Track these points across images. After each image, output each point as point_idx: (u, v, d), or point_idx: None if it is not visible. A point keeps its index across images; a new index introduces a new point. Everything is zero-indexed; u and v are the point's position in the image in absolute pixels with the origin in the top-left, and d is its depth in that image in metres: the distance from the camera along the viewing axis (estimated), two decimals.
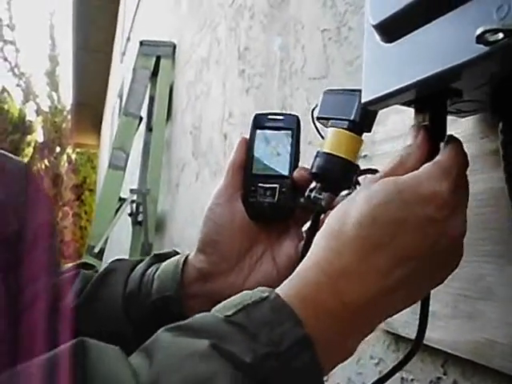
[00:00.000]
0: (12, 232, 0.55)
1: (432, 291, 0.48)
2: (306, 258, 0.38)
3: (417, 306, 0.49)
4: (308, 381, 0.33)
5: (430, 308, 0.48)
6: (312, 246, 0.39)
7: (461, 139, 0.55)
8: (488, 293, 0.51)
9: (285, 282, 0.37)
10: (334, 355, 0.36)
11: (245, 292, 0.36)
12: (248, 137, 0.55)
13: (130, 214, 3.13)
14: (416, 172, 0.39)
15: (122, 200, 3.07)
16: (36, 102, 13.24)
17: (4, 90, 11.97)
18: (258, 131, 0.54)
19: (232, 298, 0.36)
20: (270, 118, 0.54)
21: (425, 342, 0.49)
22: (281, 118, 0.54)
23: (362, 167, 0.53)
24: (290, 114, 0.54)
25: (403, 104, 0.47)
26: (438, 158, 0.41)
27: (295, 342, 0.32)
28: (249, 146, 0.54)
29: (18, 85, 13.32)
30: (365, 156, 0.80)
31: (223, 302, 0.36)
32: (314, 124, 0.57)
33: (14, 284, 0.54)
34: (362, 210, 0.37)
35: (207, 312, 0.35)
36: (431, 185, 0.38)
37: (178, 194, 2.59)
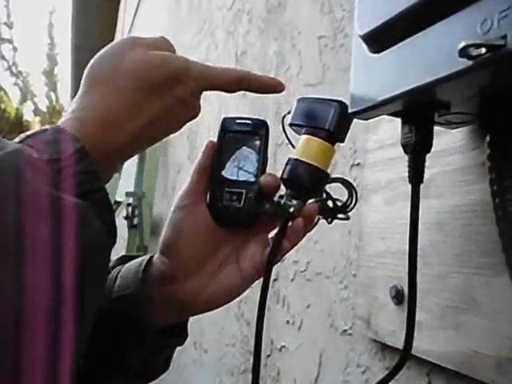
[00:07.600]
0: None
1: (419, 301, 0.49)
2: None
3: (403, 315, 0.49)
4: (89, 179, 0.40)
5: (417, 318, 0.48)
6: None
7: (452, 150, 0.55)
8: (475, 304, 0.51)
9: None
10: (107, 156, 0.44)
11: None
12: (216, 140, 0.54)
13: (125, 218, 3.12)
14: None
15: (117, 203, 3.05)
16: (34, 101, 13.19)
17: (1, 88, 11.90)
18: (227, 135, 0.54)
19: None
20: (238, 122, 0.54)
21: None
22: (249, 122, 0.53)
23: (338, 175, 0.53)
24: (258, 119, 0.53)
25: (391, 114, 0.47)
26: None
27: (74, 151, 0.40)
28: (216, 149, 0.53)
29: (15, 84, 13.27)
30: (358, 164, 0.80)
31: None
32: (285, 131, 0.55)
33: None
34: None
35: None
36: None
37: (174, 197, 2.58)
